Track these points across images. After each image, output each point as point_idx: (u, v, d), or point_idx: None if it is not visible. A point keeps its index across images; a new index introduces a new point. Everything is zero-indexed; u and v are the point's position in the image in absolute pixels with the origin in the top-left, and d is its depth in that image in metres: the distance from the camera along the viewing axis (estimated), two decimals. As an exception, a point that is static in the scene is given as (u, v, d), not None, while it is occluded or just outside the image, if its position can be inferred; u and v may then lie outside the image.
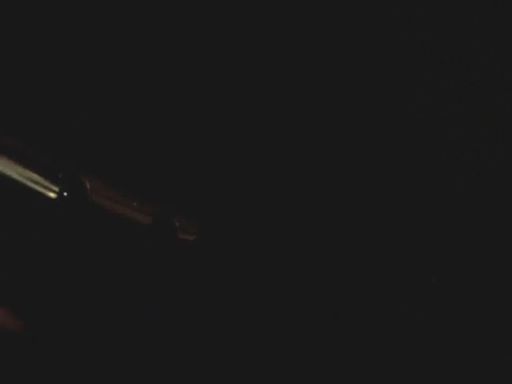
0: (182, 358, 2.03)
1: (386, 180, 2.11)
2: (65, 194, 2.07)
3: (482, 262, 2.09)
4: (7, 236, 1.91)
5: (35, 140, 1.85)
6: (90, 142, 1.96)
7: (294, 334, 2.06)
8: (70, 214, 2.02)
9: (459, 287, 2.09)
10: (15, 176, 1.89)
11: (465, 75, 2.04)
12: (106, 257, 2.08)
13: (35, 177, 2.01)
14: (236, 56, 1.99)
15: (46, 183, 2.07)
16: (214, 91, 2.00)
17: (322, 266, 2.08)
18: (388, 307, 2.10)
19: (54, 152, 1.95)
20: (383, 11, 1.93)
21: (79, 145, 1.94)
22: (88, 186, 2.09)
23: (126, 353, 1.99)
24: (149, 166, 2.07)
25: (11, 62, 1.79)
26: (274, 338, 2.06)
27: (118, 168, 2.10)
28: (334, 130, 2.08)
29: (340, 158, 2.09)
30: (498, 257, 2.08)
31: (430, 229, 2.11)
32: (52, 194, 2.11)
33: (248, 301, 2.13)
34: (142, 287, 2.11)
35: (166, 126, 2.03)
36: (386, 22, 1.95)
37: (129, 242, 2.03)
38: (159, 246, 2.13)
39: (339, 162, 2.09)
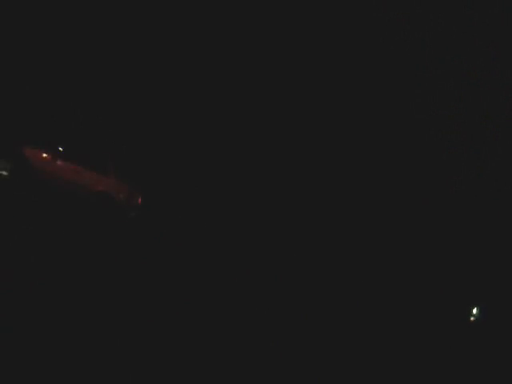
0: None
1: (385, 180, 2.13)
2: (12, 171, 2.39)
3: (481, 261, 2.11)
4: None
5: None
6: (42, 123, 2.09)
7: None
8: (20, 190, 2.29)
9: (459, 287, 2.11)
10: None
11: (465, 75, 2.05)
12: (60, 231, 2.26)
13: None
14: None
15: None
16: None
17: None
18: (387, 306, 2.11)
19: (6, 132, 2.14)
20: (383, 11, 1.95)
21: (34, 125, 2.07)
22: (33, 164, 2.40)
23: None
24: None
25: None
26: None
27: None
28: (333, 129, 2.11)
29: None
30: (497, 256, 2.10)
31: (429, 228, 2.13)
32: (4, 172, 2.43)
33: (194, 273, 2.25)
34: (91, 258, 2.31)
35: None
36: (386, 22, 1.97)
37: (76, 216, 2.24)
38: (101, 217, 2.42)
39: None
